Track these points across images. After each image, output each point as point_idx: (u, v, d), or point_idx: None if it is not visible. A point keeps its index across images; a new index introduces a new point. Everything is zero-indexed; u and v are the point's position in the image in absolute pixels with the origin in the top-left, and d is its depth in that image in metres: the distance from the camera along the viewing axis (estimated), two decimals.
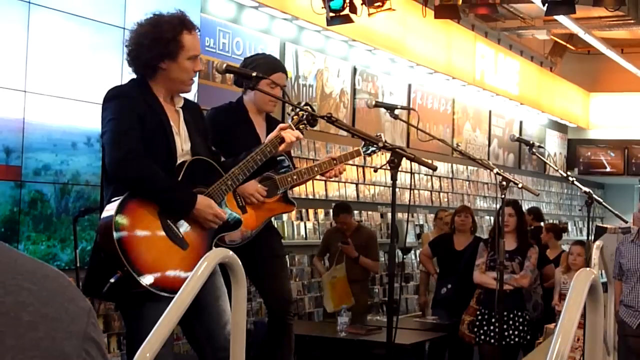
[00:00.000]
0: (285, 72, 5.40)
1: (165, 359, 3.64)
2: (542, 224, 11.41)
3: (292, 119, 4.59)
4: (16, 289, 1.00)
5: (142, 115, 3.95)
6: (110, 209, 3.84)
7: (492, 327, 7.62)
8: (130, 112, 3.94)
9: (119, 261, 3.74)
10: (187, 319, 3.69)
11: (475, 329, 7.77)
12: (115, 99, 4.02)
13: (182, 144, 4.10)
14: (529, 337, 7.76)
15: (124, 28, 7.35)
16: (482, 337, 7.72)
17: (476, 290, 7.98)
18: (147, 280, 3.79)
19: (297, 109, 4.62)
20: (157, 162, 3.94)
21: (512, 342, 7.66)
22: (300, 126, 4.58)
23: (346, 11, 9.16)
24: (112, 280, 3.74)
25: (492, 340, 7.59)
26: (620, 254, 7.43)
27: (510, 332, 7.63)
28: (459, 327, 7.98)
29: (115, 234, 3.76)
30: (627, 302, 7.40)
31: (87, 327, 1.05)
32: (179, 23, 4.05)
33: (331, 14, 9.18)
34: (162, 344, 2.82)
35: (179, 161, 4.05)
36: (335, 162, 5.25)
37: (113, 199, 3.88)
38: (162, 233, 3.93)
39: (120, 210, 3.81)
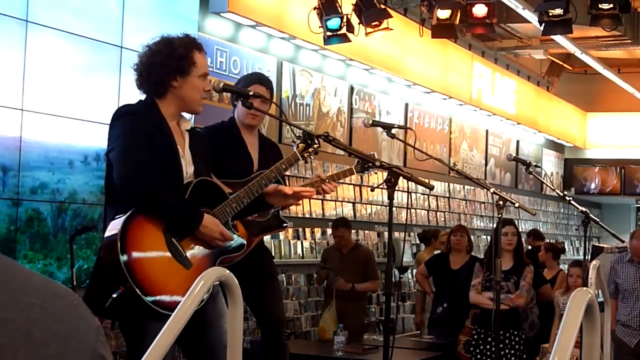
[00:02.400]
0: (266, 84, 5.31)
1: None
2: (542, 243, 11.42)
3: (298, 146, 4.53)
4: (28, 307, 1.02)
5: (150, 134, 3.97)
6: (115, 226, 3.85)
7: (487, 347, 7.61)
8: (139, 130, 3.97)
9: (122, 276, 3.74)
10: (189, 335, 3.69)
11: (472, 349, 7.75)
12: (124, 116, 4.06)
13: (187, 166, 4.11)
14: (524, 356, 7.74)
15: (121, 47, 7.36)
16: (479, 356, 7.70)
17: (471, 310, 7.97)
18: (149, 297, 3.78)
19: (304, 137, 4.56)
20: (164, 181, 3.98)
21: None
22: (305, 154, 4.53)
23: (343, 30, 9.18)
24: (114, 295, 3.73)
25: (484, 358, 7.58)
26: (615, 273, 7.44)
27: (507, 351, 7.62)
28: (457, 348, 7.96)
29: (119, 251, 3.77)
30: (625, 321, 7.41)
31: (97, 344, 1.07)
32: (191, 41, 4.14)
33: (328, 33, 9.20)
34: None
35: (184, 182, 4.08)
36: (323, 181, 5.10)
37: (117, 217, 3.88)
38: (167, 251, 3.94)
39: (125, 226, 3.81)
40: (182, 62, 4.05)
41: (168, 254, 3.94)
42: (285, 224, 5.39)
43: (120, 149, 3.96)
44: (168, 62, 4.05)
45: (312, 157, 4.58)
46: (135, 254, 3.83)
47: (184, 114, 4.28)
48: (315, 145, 4.52)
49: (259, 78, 5.46)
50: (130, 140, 3.95)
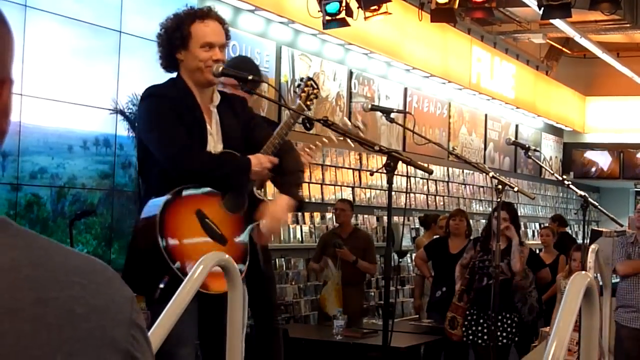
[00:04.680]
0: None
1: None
2: (567, 229, 11.46)
3: (300, 96, 4.50)
4: (69, 285, 1.10)
5: (180, 114, 4.00)
6: (152, 210, 3.89)
7: (480, 328, 7.61)
8: (166, 110, 4.02)
9: (164, 263, 3.78)
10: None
11: (464, 329, 7.74)
12: (151, 98, 4.11)
13: (215, 144, 4.12)
14: (516, 338, 7.73)
15: (120, 32, 7.35)
16: (472, 337, 7.68)
17: (457, 288, 7.89)
18: None
19: (303, 84, 4.54)
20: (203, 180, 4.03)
21: (500, 343, 7.64)
22: (308, 102, 4.51)
23: (342, 15, 9.16)
24: (161, 285, 3.78)
25: (480, 341, 7.58)
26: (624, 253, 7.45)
27: (500, 333, 7.62)
28: (444, 324, 7.88)
29: (158, 235, 3.79)
30: (625, 303, 7.41)
31: (132, 314, 1.16)
32: (187, 13, 4.11)
33: (327, 18, 9.18)
34: (161, 344, 2.84)
35: None
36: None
37: (152, 200, 3.91)
38: (203, 232, 3.97)
39: (163, 211, 3.84)
40: (177, 35, 4.05)
41: (204, 235, 3.97)
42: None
43: (159, 132, 4.03)
44: (166, 38, 4.08)
45: (313, 102, 4.57)
46: (173, 240, 3.86)
47: (219, 87, 4.31)
48: (315, 90, 4.53)
49: (242, 61, 5.37)
50: (166, 123, 4.01)
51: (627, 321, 7.43)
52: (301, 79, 4.66)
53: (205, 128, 4.09)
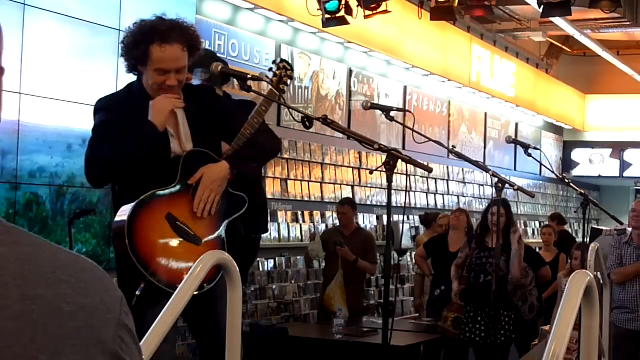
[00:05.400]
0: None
1: (166, 356, 3.68)
2: (567, 227, 11.44)
3: (272, 80, 4.28)
4: (57, 282, 1.08)
5: (125, 125, 3.98)
6: (120, 220, 3.90)
7: (477, 325, 7.60)
8: (109, 123, 4.04)
9: (138, 272, 3.78)
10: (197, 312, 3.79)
11: (463, 326, 7.72)
12: (98, 112, 4.12)
13: (182, 144, 4.09)
14: (514, 335, 7.71)
15: (119, 30, 7.33)
16: (468, 334, 7.66)
17: (456, 288, 7.86)
18: (171, 286, 3.75)
19: (275, 66, 4.35)
20: (150, 166, 3.95)
21: (498, 341, 7.62)
22: (281, 85, 4.34)
23: (342, 13, 9.16)
24: (137, 293, 3.76)
25: (478, 339, 7.56)
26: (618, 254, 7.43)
27: (498, 331, 7.60)
28: (443, 325, 7.83)
29: (129, 247, 3.79)
30: (621, 304, 7.40)
31: (121, 314, 1.14)
32: (150, 32, 3.97)
33: (327, 16, 9.17)
34: (160, 342, 2.83)
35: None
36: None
37: (122, 209, 3.90)
38: (175, 236, 3.95)
39: (130, 222, 3.84)
40: (136, 52, 3.98)
41: (177, 238, 3.95)
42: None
43: (88, 145, 4.11)
44: (127, 50, 4.02)
45: (287, 85, 4.39)
46: (145, 246, 3.85)
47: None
48: (289, 72, 4.35)
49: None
50: (97, 136, 4.06)
51: (622, 322, 7.42)
52: (273, 62, 4.47)
53: (164, 132, 4.06)
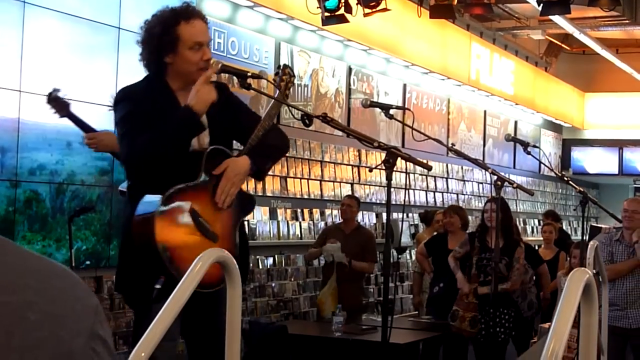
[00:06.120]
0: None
1: (168, 353, 3.68)
2: (562, 225, 11.41)
3: (279, 86, 4.32)
4: (23, 288, 1.00)
5: (150, 115, 3.95)
6: (147, 211, 3.86)
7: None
8: (136, 114, 3.98)
9: (160, 264, 3.76)
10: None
11: (478, 324, 7.74)
12: (121, 102, 4.07)
13: (201, 139, 4.07)
14: (513, 333, 7.73)
15: (119, 28, 7.34)
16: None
17: (466, 289, 7.88)
18: None
19: (280, 72, 4.36)
20: (169, 160, 3.94)
21: (498, 338, 7.64)
22: (287, 91, 4.37)
23: (341, 11, 9.16)
24: (157, 286, 3.75)
25: (479, 336, 7.59)
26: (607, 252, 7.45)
27: (497, 329, 7.62)
28: (459, 325, 7.83)
29: (156, 239, 3.78)
30: (611, 301, 7.40)
31: (94, 324, 1.05)
32: (171, 15, 4.01)
33: (326, 14, 9.18)
34: (159, 342, 2.83)
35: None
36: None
37: (147, 199, 3.88)
38: (196, 232, 3.94)
39: (158, 214, 3.82)
40: (164, 39, 3.97)
41: (198, 234, 3.95)
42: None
43: (120, 137, 4.03)
44: (150, 42, 4.00)
45: (290, 90, 4.43)
46: (169, 239, 3.84)
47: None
48: (292, 78, 4.37)
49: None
50: (127, 127, 3.99)
51: (612, 320, 7.43)
52: (278, 67, 4.50)
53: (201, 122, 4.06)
